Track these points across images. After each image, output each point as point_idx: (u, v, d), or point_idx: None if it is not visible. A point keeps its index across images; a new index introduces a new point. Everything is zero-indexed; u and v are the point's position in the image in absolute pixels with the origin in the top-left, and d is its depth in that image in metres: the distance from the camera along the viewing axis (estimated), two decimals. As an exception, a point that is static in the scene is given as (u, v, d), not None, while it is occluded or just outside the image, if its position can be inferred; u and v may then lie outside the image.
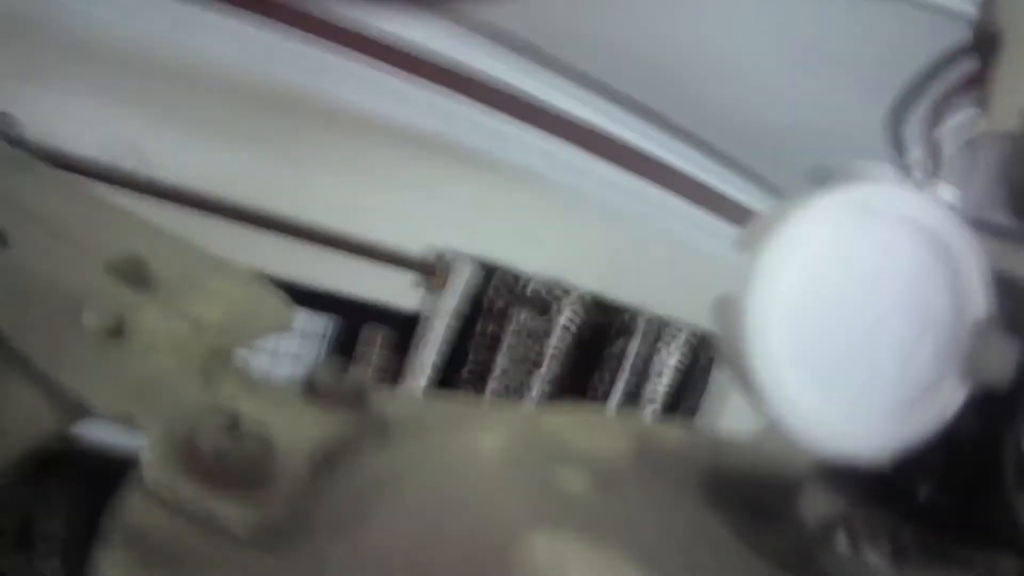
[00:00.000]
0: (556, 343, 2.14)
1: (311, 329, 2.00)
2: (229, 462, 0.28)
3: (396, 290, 2.03)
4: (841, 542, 0.32)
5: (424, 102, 1.85)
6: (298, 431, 0.33)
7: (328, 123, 1.91)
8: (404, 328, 2.06)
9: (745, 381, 0.28)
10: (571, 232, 2.27)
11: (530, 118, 1.99)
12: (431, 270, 2.00)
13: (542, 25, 1.62)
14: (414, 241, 2.04)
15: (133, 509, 0.27)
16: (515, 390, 2.13)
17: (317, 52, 1.78)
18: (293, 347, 1.92)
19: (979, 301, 0.27)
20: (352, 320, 2.03)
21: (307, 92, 1.85)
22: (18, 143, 1.54)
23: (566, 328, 2.14)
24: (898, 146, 0.48)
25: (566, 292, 2.13)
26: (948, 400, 0.28)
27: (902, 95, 0.49)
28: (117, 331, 0.33)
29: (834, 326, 0.27)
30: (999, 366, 0.27)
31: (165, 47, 1.73)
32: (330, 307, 2.00)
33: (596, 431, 0.36)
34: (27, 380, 0.31)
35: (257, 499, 0.28)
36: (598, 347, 2.27)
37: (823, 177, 0.29)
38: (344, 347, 2.03)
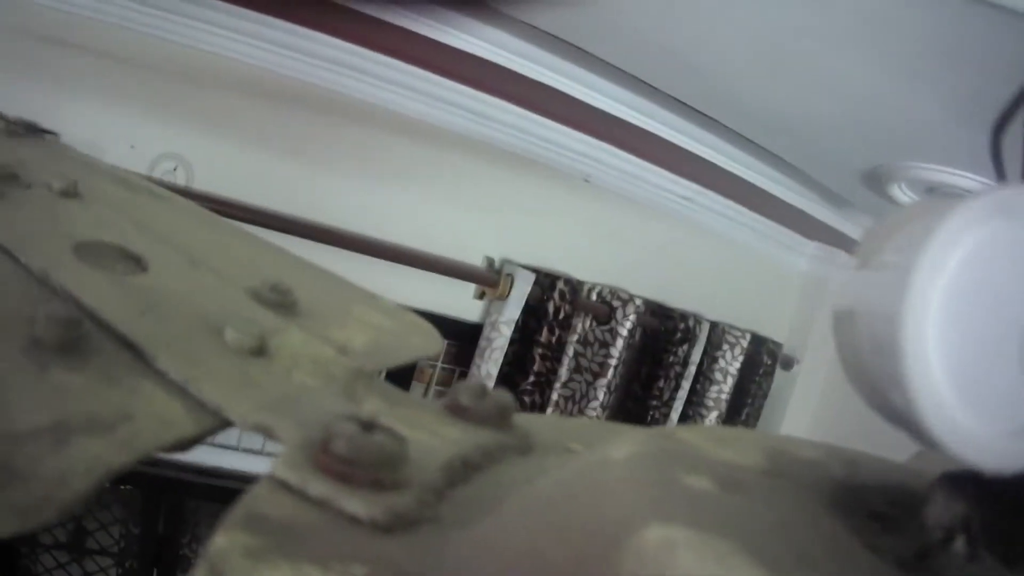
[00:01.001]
0: (619, 351, 2.12)
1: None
2: (362, 460, 0.28)
3: (457, 301, 2.04)
4: (959, 546, 0.31)
5: (467, 106, 1.85)
6: (437, 441, 0.32)
7: (384, 135, 1.93)
8: (466, 339, 2.06)
9: (887, 400, 0.26)
10: (629, 238, 2.26)
11: (582, 123, 1.98)
12: (491, 281, 1.99)
13: (584, 26, 1.61)
14: (473, 251, 2.04)
15: (256, 498, 0.26)
16: (579, 399, 2.12)
17: (373, 63, 1.79)
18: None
19: None
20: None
21: (362, 103, 1.86)
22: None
23: (628, 335, 2.12)
24: (999, 167, 0.45)
25: (627, 299, 2.12)
26: None
27: (1005, 108, 0.45)
28: (259, 350, 0.33)
29: (986, 336, 0.26)
30: None
31: (211, 59, 1.74)
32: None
33: (730, 443, 0.35)
34: (165, 389, 0.31)
35: (388, 497, 0.28)
36: (660, 354, 2.25)
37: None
38: (406, 359, 2.03)
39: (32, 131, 0.53)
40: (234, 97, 1.84)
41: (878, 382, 0.27)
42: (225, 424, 0.31)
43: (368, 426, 0.29)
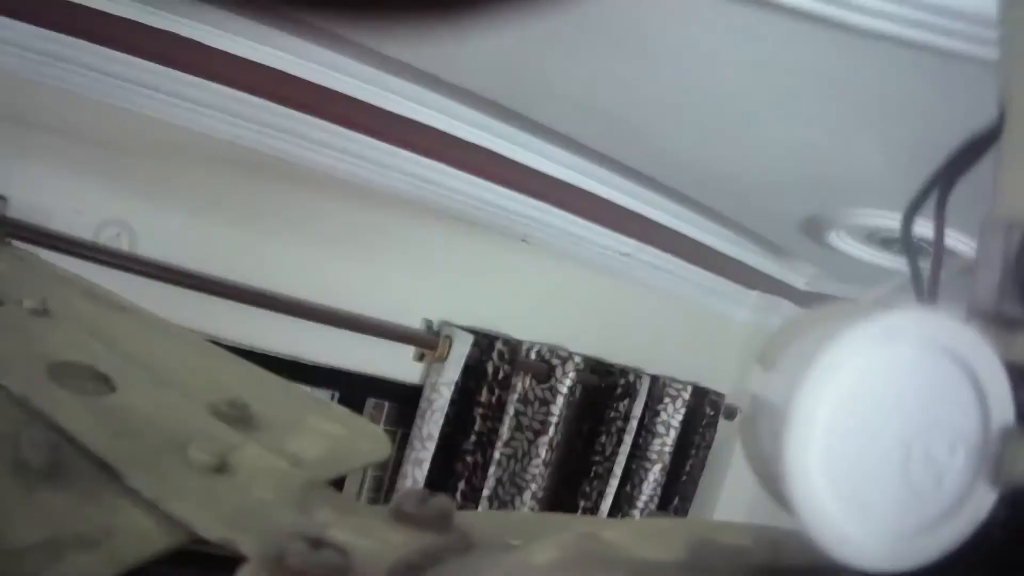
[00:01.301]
0: (559, 408, 2.16)
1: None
2: (312, 574, 0.32)
3: (397, 363, 2.06)
4: None
5: (410, 170, 1.90)
6: (382, 548, 0.36)
7: (324, 200, 1.96)
8: (407, 400, 2.09)
9: (777, 491, 0.30)
10: (568, 296, 2.31)
11: (519, 184, 2.04)
12: (430, 343, 2.03)
13: (522, 90, 1.66)
14: (412, 314, 2.08)
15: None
16: (521, 457, 2.15)
17: (306, 125, 1.82)
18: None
19: (1004, 408, 0.30)
20: (355, 394, 2.05)
21: (302, 169, 1.89)
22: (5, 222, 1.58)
23: (568, 392, 2.17)
24: (910, 246, 0.46)
25: (566, 357, 2.17)
26: (979, 506, 0.30)
27: (920, 191, 0.45)
28: (220, 467, 0.36)
29: (868, 450, 0.29)
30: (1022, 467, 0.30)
31: (153, 125, 1.77)
32: (333, 381, 2.03)
33: (653, 539, 0.39)
34: (140, 506, 0.35)
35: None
36: (601, 409, 2.30)
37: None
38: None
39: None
40: (177, 164, 1.87)
41: (774, 480, 0.30)
42: (195, 536, 0.35)
43: (316, 543, 0.33)
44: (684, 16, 1.12)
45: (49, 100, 1.68)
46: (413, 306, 2.08)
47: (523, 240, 2.16)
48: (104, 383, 0.40)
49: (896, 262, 1.71)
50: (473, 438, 2.05)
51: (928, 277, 0.45)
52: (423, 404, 2.02)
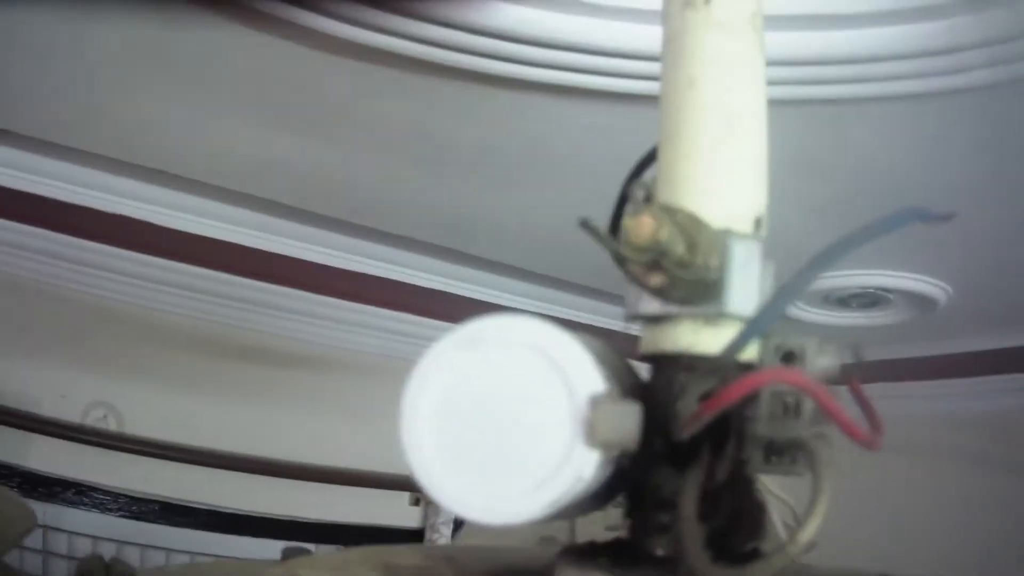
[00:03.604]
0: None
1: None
2: None
3: (394, 511, 2.04)
4: None
5: (381, 326, 1.92)
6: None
7: (297, 365, 1.99)
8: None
9: None
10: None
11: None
12: (425, 485, 2.00)
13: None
14: (401, 461, 2.05)
15: None
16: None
17: (280, 297, 1.86)
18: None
19: (587, 382, 0.33)
20: (358, 545, 2.01)
21: (280, 341, 1.93)
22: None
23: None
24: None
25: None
26: (581, 466, 0.32)
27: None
28: None
29: (473, 431, 0.34)
30: (617, 428, 0.32)
31: (134, 310, 1.82)
32: (335, 537, 2.01)
33: (342, 570, 0.38)
34: None
35: None
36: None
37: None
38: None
39: None
40: (158, 345, 1.92)
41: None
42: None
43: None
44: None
45: (24, 292, 1.74)
46: (400, 453, 2.06)
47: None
48: None
49: (855, 317, 1.67)
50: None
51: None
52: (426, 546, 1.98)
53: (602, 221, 0.39)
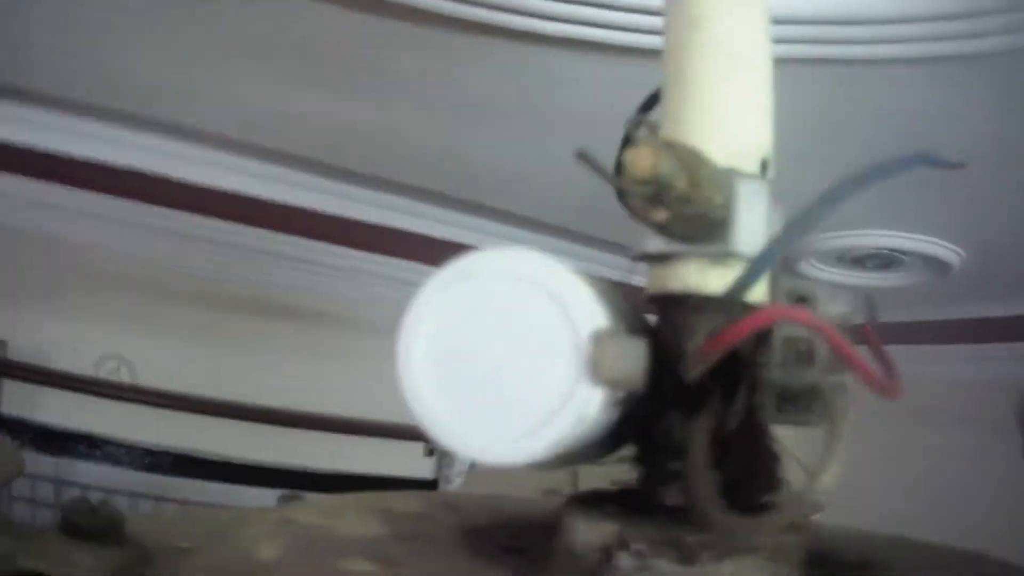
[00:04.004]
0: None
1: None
2: None
3: (408, 462, 2.04)
4: (624, 560, 0.34)
5: (392, 275, 1.91)
6: (71, 572, 0.35)
7: (309, 317, 1.98)
8: (424, 498, 2.06)
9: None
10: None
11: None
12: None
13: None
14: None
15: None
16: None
17: (293, 247, 1.85)
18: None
19: (590, 318, 0.31)
20: (372, 497, 2.03)
21: (293, 295, 1.92)
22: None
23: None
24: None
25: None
26: (585, 403, 0.31)
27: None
28: None
29: (471, 370, 0.32)
30: (622, 365, 0.31)
31: (150, 264, 1.81)
32: (349, 488, 2.01)
33: (343, 516, 0.38)
34: None
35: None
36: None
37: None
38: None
39: None
40: (169, 297, 1.92)
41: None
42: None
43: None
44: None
45: (35, 246, 1.75)
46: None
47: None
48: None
49: (869, 278, 1.66)
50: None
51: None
52: (438, 499, 1.99)
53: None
